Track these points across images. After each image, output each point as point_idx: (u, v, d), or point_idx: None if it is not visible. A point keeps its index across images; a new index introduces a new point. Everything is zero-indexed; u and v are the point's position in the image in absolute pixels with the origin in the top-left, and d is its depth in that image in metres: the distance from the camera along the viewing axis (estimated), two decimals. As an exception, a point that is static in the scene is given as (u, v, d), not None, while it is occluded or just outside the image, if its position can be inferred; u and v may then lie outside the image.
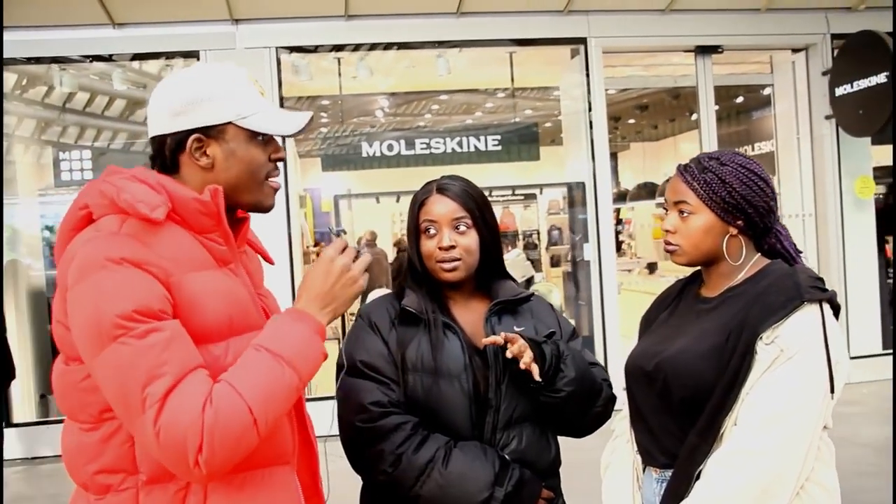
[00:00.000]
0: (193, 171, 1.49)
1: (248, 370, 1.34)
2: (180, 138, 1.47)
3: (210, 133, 1.47)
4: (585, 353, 1.94)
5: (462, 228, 1.86)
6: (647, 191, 12.37)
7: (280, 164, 1.59)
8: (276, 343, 1.37)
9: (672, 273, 9.79)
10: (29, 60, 6.74)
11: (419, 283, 1.91)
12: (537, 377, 1.70)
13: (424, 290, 1.89)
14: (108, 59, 6.88)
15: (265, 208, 1.56)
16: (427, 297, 1.87)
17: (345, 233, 8.26)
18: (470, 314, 1.89)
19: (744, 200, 1.67)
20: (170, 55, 6.89)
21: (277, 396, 1.34)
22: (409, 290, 1.90)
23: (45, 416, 6.89)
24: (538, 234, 12.50)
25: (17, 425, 6.44)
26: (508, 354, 1.71)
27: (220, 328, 1.39)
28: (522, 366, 1.69)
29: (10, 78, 7.05)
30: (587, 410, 1.85)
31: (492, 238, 1.91)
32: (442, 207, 1.87)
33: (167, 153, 1.48)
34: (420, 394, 1.78)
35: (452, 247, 1.85)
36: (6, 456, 6.18)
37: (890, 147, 8.33)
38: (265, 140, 1.52)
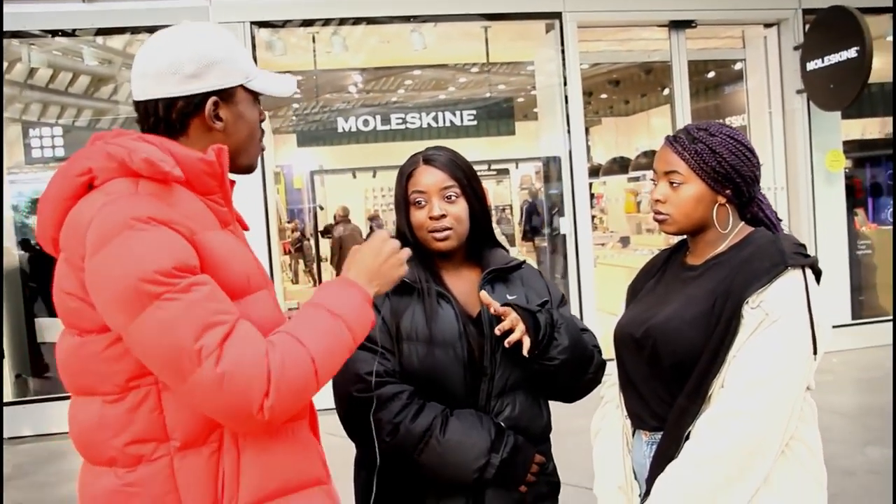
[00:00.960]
0: (202, 134, 1.46)
1: (309, 324, 1.37)
2: (198, 101, 1.44)
3: (223, 95, 1.46)
4: (576, 320, 1.98)
5: (451, 197, 1.88)
6: (619, 165, 12.45)
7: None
8: (334, 303, 1.40)
9: (645, 246, 9.89)
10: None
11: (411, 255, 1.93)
12: (526, 352, 1.74)
13: (416, 260, 1.89)
14: (72, 34, 6.77)
15: (254, 168, 1.58)
16: (419, 267, 1.88)
17: (321, 209, 8.27)
18: (462, 283, 1.91)
19: (733, 170, 1.71)
20: (141, 30, 6.79)
21: (335, 352, 1.37)
22: None
23: (23, 395, 6.84)
24: (511, 208, 12.56)
25: (-8, 405, 6.37)
26: (498, 331, 1.74)
27: (241, 286, 1.39)
28: (509, 341, 1.72)
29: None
30: (580, 377, 1.89)
31: (480, 207, 1.93)
32: (430, 178, 1.88)
33: (175, 116, 1.44)
34: (415, 363, 1.80)
35: (443, 216, 1.86)
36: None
37: (859, 121, 8.50)
38: (258, 101, 1.55)
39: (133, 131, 1.45)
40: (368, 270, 1.50)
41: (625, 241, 11.44)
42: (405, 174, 1.93)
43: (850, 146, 8.17)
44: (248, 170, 1.57)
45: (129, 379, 1.33)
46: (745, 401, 1.57)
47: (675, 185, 1.75)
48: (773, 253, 1.63)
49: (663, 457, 1.68)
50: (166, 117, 1.44)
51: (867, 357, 7.28)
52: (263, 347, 1.28)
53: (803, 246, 1.69)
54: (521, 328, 1.73)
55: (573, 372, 1.86)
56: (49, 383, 6.95)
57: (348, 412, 1.81)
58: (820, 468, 1.69)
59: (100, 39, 7.08)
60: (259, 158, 1.60)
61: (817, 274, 1.67)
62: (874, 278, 8.19)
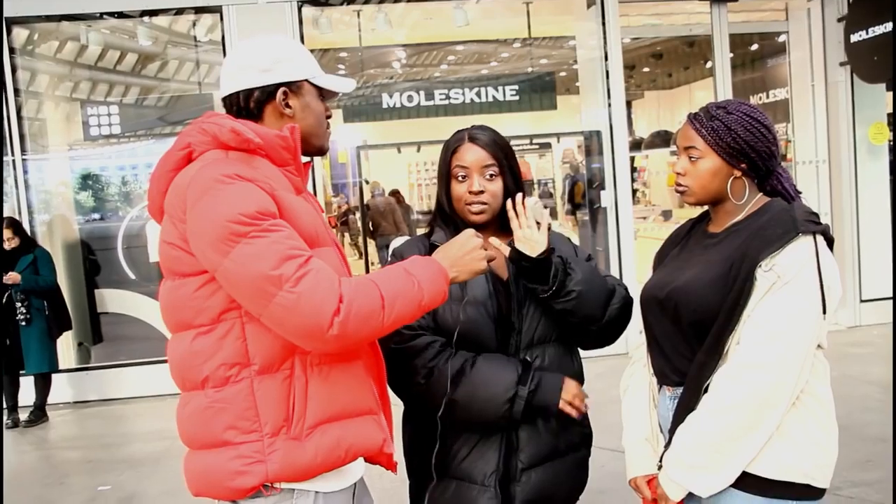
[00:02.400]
0: (275, 119, 1.75)
1: (384, 273, 1.64)
2: (270, 90, 1.74)
3: (291, 87, 1.75)
4: (597, 269, 2.14)
5: (490, 176, 2.06)
6: (662, 139, 12.37)
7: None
8: (412, 268, 1.65)
9: (687, 220, 9.86)
10: (39, 18, 6.88)
11: (447, 223, 2.11)
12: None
13: (452, 228, 2.08)
14: (120, 14, 7.04)
15: (325, 151, 1.88)
16: (454, 235, 2.04)
17: (367, 182, 8.46)
18: (494, 250, 2.05)
19: (747, 146, 1.84)
20: (192, 10, 7.01)
21: (404, 298, 1.59)
22: (438, 228, 2.12)
23: (85, 363, 7.20)
24: (553, 182, 12.62)
25: (61, 371, 6.71)
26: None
27: (310, 237, 1.63)
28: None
29: (38, 35, 7.21)
30: (604, 308, 2.03)
31: (515, 185, 2.10)
32: (473, 155, 2.06)
33: (253, 104, 1.74)
34: (450, 320, 1.99)
35: (481, 192, 2.05)
36: (54, 400, 6.52)
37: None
38: (324, 98, 1.83)
39: (224, 114, 1.75)
40: (452, 257, 1.73)
41: (667, 214, 11.43)
42: (450, 149, 2.11)
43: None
44: (320, 151, 1.87)
45: (222, 312, 1.61)
46: (758, 355, 1.72)
47: (693, 159, 1.89)
48: (785, 220, 1.76)
49: (684, 408, 1.83)
50: (246, 106, 1.75)
51: (908, 329, 7.29)
52: (335, 276, 1.52)
53: (816, 214, 1.81)
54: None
55: (594, 302, 2.01)
56: (109, 352, 7.29)
57: (389, 364, 1.97)
58: (830, 422, 1.82)
59: (161, 21, 7.32)
60: (328, 142, 1.88)
61: (829, 241, 1.80)
62: (918, 251, 8.15)
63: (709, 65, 8.52)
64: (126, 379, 6.84)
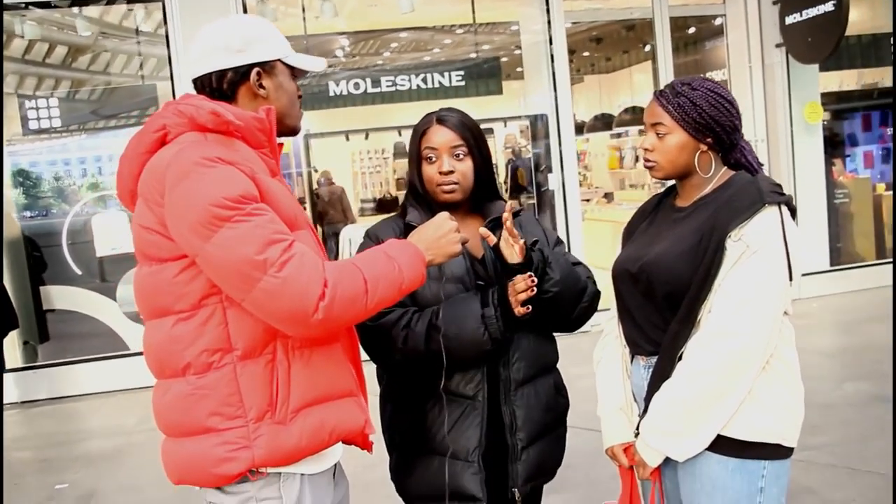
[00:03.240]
0: (249, 100, 1.74)
1: (365, 257, 1.66)
2: (244, 71, 1.71)
3: (265, 67, 1.73)
4: (569, 256, 2.20)
5: (460, 155, 2.09)
6: (603, 122, 12.56)
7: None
8: (391, 251, 1.67)
9: (629, 202, 10.07)
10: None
11: (420, 203, 2.14)
12: (518, 311, 1.94)
13: (425, 207, 2.12)
14: (50, 5, 6.87)
15: (297, 131, 1.87)
16: (429, 216, 2.04)
17: (316, 170, 8.41)
18: (467, 230, 2.07)
19: (712, 120, 1.91)
20: (121, 0, 6.87)
21: (386, 280, 1.61)
22: (412, 208, 2.14)
23: (31, 362, 7.03)
24: (496, 166, 12.67)
25: (7, 371, 6.51)
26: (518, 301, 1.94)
27: (289, 221, 1.62)
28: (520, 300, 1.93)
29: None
30: (575, 306, 2.11)
31: (484, 165, 2.14)
32: (442, 136, 2.09)
33: (226, 86, 1.72)
34: (430, 297, 2.03)
35: (451, 172, 2.08)
36: None
37: (836, 73, 8.68)
38: (295, 78, 1.82)
39: (199, 95, 1.72)
40: (427, 240, 1.75)
41: (609, 196, 11.62)
42: (419, 132, 2.14)
43: (828, 98, 8.37)
44: (293, 132, 1.85)
45: (202, 297, 1.59)
46: (729, 323, 1.79)
47: (660, 135, 1.95)
48: (752, 192, 1.84)
49: (659, 376, 1.90)
50: (219, 87, 1.72)
51: (844, 301, 7.62)
52: (319, 260, 1.52)
53: (779, 186, 1.89)
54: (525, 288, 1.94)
55: (567, 301, 2.08)
56: (57, 349, 7.13)
57: (367, 341, 2.02)
58: (797, 384, 1.90)
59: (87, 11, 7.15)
60: (300, 123, 1.87)
61: (792, 210, 1.88)
62: (851, 226, 8.46)
63: (647, 48, 8.67)
64: (76, 376, 6.70)
